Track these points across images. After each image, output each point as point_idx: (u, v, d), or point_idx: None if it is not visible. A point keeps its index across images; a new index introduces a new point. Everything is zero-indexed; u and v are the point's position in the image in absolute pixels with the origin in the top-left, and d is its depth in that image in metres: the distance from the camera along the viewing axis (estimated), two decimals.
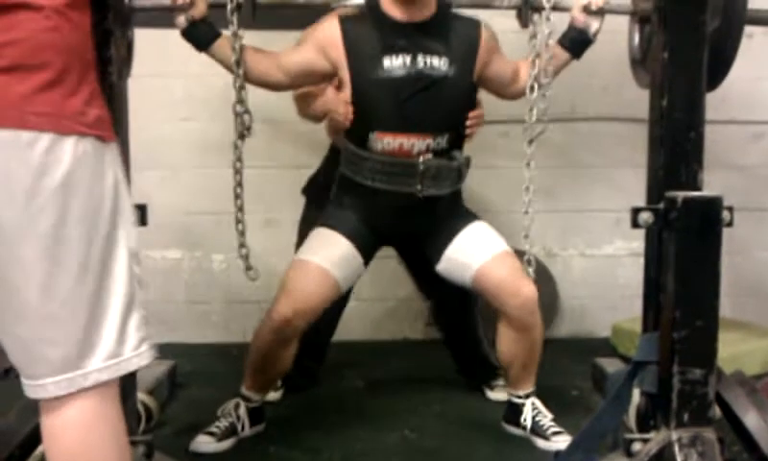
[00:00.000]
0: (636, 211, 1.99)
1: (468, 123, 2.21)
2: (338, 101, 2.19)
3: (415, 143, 2.15)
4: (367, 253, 2.28)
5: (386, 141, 2.16)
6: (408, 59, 2.14)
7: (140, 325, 1.26)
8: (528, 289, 2.17)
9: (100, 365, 1.19)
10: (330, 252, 2.20)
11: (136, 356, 1.24)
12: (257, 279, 2.21)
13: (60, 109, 1.13)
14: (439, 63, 2.15)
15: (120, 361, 1.22)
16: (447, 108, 2.17)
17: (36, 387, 1.19)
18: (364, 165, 2.20)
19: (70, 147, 1.13)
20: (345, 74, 2.17)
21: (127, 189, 1.26)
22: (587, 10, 2.20)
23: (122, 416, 1.26)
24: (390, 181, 2.17)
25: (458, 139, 2.23)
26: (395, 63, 2.13)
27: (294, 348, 2.22)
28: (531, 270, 2.22)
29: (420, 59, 2.14)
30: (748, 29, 2.20)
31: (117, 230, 1.21)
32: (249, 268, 2.22)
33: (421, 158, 2.15)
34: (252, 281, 2.22)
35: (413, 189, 2.16)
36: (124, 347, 1.22)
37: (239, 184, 2.18)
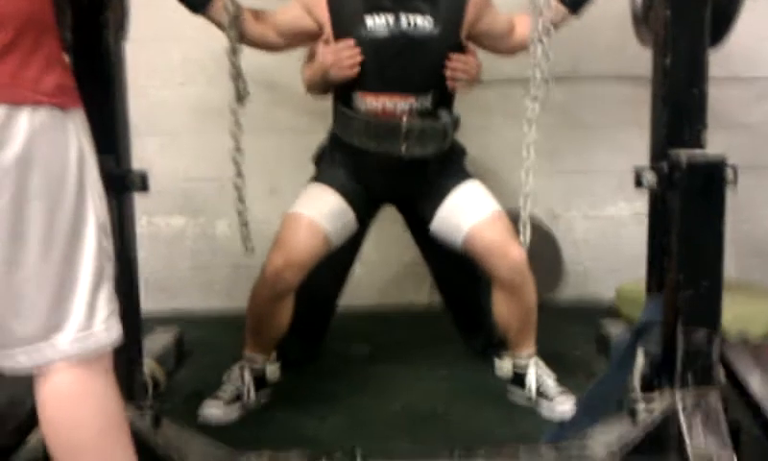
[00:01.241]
0: (639, 172, 1.97)
1: (449, 64, 2.15)
2: (327, 52, 2.16)
3: (397, 103, 2.15)
4: (360, 209, 2.28)
5: (369, 101, 2.16)
6: (391, 18, 2.12)
7: (110, 298, 1.25)
8: (516, 251, 2.16)
9: (69, 338, 1.19)
10: (320, 205, 2.22)
11: (105, 330, 1.23)
12: (253, 251, 2.20)
13: (12, 78, 1.10)
14: (423, 23, 2.13)
15: (89, 334, 1.21)
16: (432, 67, 2.15)
17: (6, 357, 1.19)
18: (351, 125, 2.20)
19: (25, 118, 1.10)
20: (328, 32, 2.17)
21: (93, 158, 1.23)
22: None
23: (113, 389, 1.26)
24: (375, 142, 2.17)
25: (444, 99, 2.21)
26: (377, 23, 2.12)
27: (289, 305, 2.23)
28: (525, 235, 2.20)
29: (404, 18, 2.12)
30: None
31: (84, 202, 1.19)
32: (246, 242, 2.19)
33: (405, 119, 2.13)
34: (250, 253, 2.21)
35: (398, 150, 2.15)
36: (93, 320, 1.21)
37: (237, 150, 2.17)
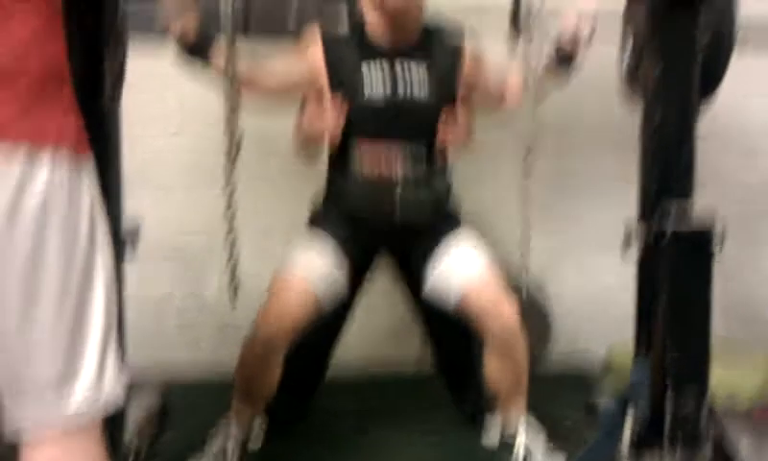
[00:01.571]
0: (627, 228, 1.98)
1: (440, 136, 2.19)
2: (315, 115, 2.19)
3: (393, 168, 2.16)
4: (352, 270, 2.27)
5: (364, 166, 2.17)
6: (388, 86, 2.15)
7: (118, 353, 1.23)
8: (509, 311, 2.16)
9: (80, 394, 1.17)
10: (312, 266, 2.21)
11: (116, 386, 1.21)
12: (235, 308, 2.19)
13: (34, 123, 1.11)
14: (419, 92, 2.16)
15: (100, 391, 1.19)
16: (427, 134, 2.18)
17: (15, 416, 1.16)
18: (345, 188, 2.22)
19: (47, 162, 1.10)
20: (326, 91, 2.20)
21: (103, 210, 1.23)
22: (575, 27, 2.17)
23: (106, 456, 1.23)
24: (369, 206, 2.19)
25: (440, 166, 2.24)
26: (375, 90, 2.15)
27: (278, 366, 2.20)
28: (523, 292, 2.21)
29: (401, 87, 2.15)
30: (740, 45, 2.21)
31: (95, 255, 1.19)
32: (233, 295, 2.19)
33: (399, 186, 2.16)
34: (235, 310, 2.20)
35: (392, 216, 2.18)
36: (104, 376, 1.19)
37: (230, 207, 2.17)
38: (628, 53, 2.40)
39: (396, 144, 2.16)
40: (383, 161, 2.16)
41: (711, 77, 2.12)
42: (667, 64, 1.98)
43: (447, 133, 2.19)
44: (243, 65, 2.17)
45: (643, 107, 2.12)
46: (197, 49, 2.12)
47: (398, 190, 2.16)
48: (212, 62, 2.14)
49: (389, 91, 2.15)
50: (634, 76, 2.36)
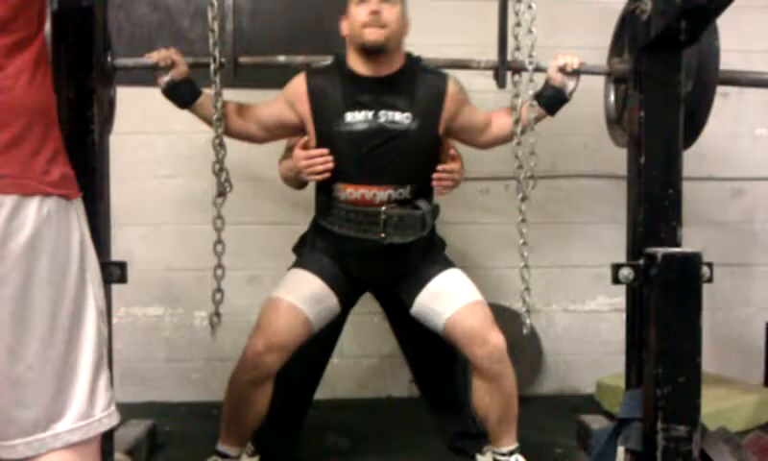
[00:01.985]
0: (616, 267, 2.00)
1: (435, 176, 2.20)
2: (299, 157, 2.21)
3: (376, 193, 2.19)
4: (342, 294, 2.28)
5: (349, 191, 2.20)
6: (370, 113, 2.18)
7: (108, 385, 1.25)
8: (497, 339, 2.17)
9: (70, 426, 1.18)
10: (301, 289, 2.22)
11: (107, 417, 1.23)
12: (215, 338, 2.20)
13: (22, 169, 1.13)
14: (401, 118, 2.19)
15: (91, 422, 1.20)
16: (409, 160, 2.20)
17: (6, 448, 1.17)
18: (332, 213, 2.25)
19: (34, 208, 1.13)
20: (310, 127, 2.22)
21: (92, 247, 1.25)
22: (563, 70, 2.24)
23: None
24: (355, 229, 2.21)
25: (423, 190, 2.25)
26: (357, 118, 2.18)
27: (268, 391, 2.19)
28: (526, 325, 2.23)
29: (382, 113, 2.18)
30: (723, 88, 2.26)
31: (85, 289, 1.21)
32: (214, 329, 2.19)
33: (384, 208, 2.18)
34: (217, 342, 2.21)
35: (377, 237, 2.19)
36: (94, 408, 1.21)
37: (219, 242, 2.19)
38: (612, 99, 2.45)
39: (380, 171, 2.18)
40: (367, 188, 2.18)
41: (695, 120, 2.16)
42: (651, 109, 2.01)
43: (442, 180, 2.21)
44: (230, 113, 2.23)
45: (629, 151, 2.16)
46: (184, 99, 2.19)
47: (383, 211, 2.18)
48: (199, 112, 2.22)
49: (371, 118, 2.18)
50: (619, 119, 2.40)
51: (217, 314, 2.19)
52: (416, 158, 2.20)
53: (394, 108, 2.19)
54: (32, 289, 1.13)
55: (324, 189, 2.26)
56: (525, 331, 2.23)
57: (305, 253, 2.35)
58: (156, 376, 3.22)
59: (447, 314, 2.20)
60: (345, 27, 2.26)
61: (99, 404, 1.21)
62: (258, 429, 2.29)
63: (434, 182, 2.21)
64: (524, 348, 3.06)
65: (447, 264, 2.33)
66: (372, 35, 2.14)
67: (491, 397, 2.22)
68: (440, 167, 2.21)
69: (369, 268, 2.28)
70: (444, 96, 2.24)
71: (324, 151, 2.17)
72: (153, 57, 2.16)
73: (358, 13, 2.16)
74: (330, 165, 2.16)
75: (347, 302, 2.33)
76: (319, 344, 2.37)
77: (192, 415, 3.00)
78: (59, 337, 1.16)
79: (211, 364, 3.17)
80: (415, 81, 2.23)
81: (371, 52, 2.17)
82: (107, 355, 1.26)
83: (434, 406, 2.67)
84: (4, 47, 1.13)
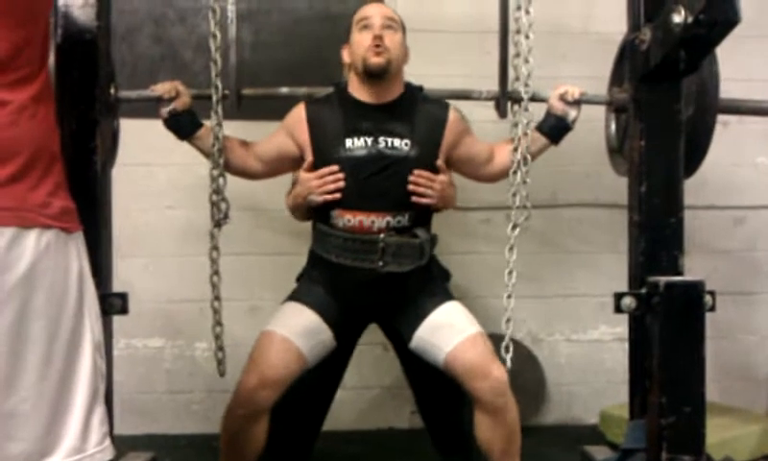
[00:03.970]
0: (618, 297, 2.00)
1: (411, 179, 2.17)
2: (309, 178, 2.21)
3: (374, 221, 2.17)
4: (336, 327, 2.24)
5: (346, 218, 2.18)
6: (369, 140, 2.18)
7: (103, 419, 1.24)
8: (498, 372, 2.14)
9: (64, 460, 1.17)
10: (295, 323, 2.19)
11: (100, 452, 1.22)
12: (224, 374, 2.21)
13: (22, 202, 1.14)
14: (400, 144, 2.18)
15: (84, 457, 1.19)
16: (408, 187, 2.19)
17: None
18: (328, 241, 2.22)
19: (32, 240, 1.13)
20: (309, 154, 2.22)
21: (91, 280, 1.26)
22: (564, 99, 2.25)
23: None
24: (352, 257, 2.18)
25: (421, 218, 2.24)
26: (356, 144, 2.18)
27: (264, 426, 2.16)
28: (508, 357, 2.21)
29: (382, 140, 2.18)
30: (723, 117, 2.27)
31: (82, 322, 1.21)
32: (220, 363, 2.23)
33: (382, 235, 2.17)
34: (223, 376, 2.21)
35: (374, 265, 2.17)
36: (87, 443, 1.20)
37: (216, 273, 2.19)
38: (613, 128, 2.46)
39: (379, 197, 2.18)
40: (365, 215, 2.18)
41: (696, 149, 2.16)
42: (652, 138, 2.02)
43: (417, 185, 2.18)
44: (229, 147, 2.24)
45: (629, 180, 2.16)
46: (185, 130, 2.21)
47: (381, 239, 2.17)
48: (198, 144, 2.24)
49: (370, 144, 2.18)
50: (620, 149, 2.40)
51: (221, 349, 2.19)
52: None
53: (393, 134, 2.19)
54: (28, 320, 1.13)
55: (322, 217, 2.24)
56: (508, 365, 2.20)
57: (301, 285, 2.32)
58: (156, 408, 3.20)
59: (447, 348, 2.18)
60: (346, 55, 2.28)
61: (92, 439, 1.20)
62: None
63: (410, 187, 2.18)
64: (526, 377, 3.04)
65: (446, 297, 2.30)
66: (376, 58, 2.16)
67: (493, 431, 2.20)
68: (416, 172, 2.18)
69: (365, 298, 2.26)
70: (444, 124, 2.25)
71: (335, 168, 2.16)
72: (157, 89, 2.18)
73: (362, 39, 2.18)
74: (341, 184, 2.15)
75: (342, 335, 2.27)
76: (325, 377, 2.36)
77: (193, 447, 2.99)
78: (54, 370, 1.16)
79: (212, 396, 3.15)
80: (415, 108, 2.24)
81: (373, 75, 2.18)
82: (103, 389, 1.25)
83: (438, 437, 2.65)
84: (7, 84, 1.15)
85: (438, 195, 2.21)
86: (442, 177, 2.23)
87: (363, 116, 2.20)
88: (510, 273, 2.21)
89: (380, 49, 2.16)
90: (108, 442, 1.24)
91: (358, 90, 2.23)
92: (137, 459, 2.54)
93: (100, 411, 1.23)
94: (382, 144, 2.18)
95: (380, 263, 2.17)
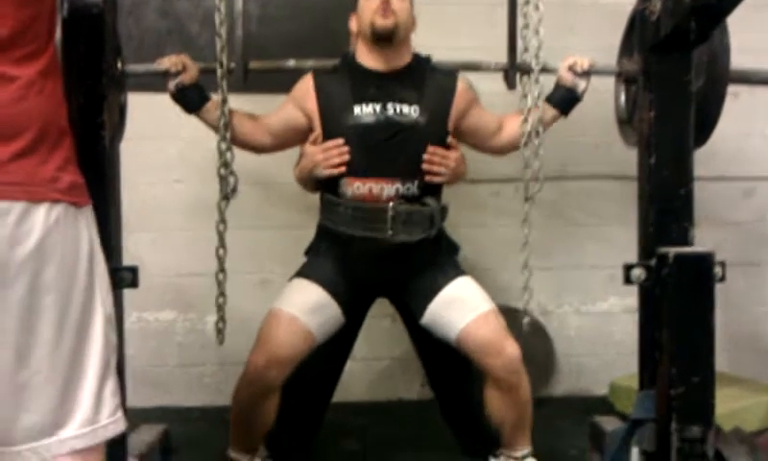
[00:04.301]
0: (628, 268, 2.00)
1: (426, 157, 2.17)
2: (314, 151, 2.21)
3: (384, 188, 2.16)
4: (346, 301, 2.24)
5: (356, 186, 2.17)
6: (378, 106, 2.17)
7: (115, 391, 1.25)
8: (511, 348, 2.14)
9: (76, 432, 1.19)
10: (303, 300, 2.19)
11: (113, 423, 1.23)
12: (223, 343, 2.22)
13: (31, 176, 1.14)
14: (409, 111, 2.18)
15: (97, 428, 1.21)
16: (418, 154, 2.17)
17: (12, 454, 1.17)
18: (337, 212, 2.21)
19: (42, 214, 1.14)
20: (317, 123, 2.22)
21: (102, 254, 1.26)
22: (573, 70, 2.24)
23: None
24: (362, 228, 2.17)
25: (431, 187, 2.22)
26: (364, 111, 2.17)
27: (274, 402, 2.18)
28: (525, 322, 2.22)
29: (390, 106, 2.17)
30: (733, 88, 2.24)
31: (93, 295, 1.22)
32: (219, 332, 2.24)
33: (391, 204, 2.16)
34: (220, 345, 2.22)
35: (384, 234, 2.15)
36: (100, 414, 1.21)
37: (222, 246, 2.20)
38: (622, 99, 2.44)
39: (388, 164, 2.17)
40: (375, 182, 2.17)
41: (706, 120, 2.15)
42: (661, 109, 2.00)
43: (432, 163, 2.18)
44: (237, 121, 2.24)
45: (639, 151, 2.15)
46: (192, 104, 2.22)
47: (391, 207, 2.17)
48: (207, 117, 2.23)
49: (379, 111, 2.17)
50: (629, 120, 2.39)
51: (222, 320, 2.20)
52: (423, 153, 2.18)
53: (402, 100, 2.18)
54: (39, 294, 1.14)
55: (331, 187, 2.22)
56: (525, 329, 2.22)
57: (309, 260, 2.32)
58: (168, 381, 3.23)
59: (460, 325, 2.18)
60: (354, 23, 2.27)
61: (105, 411, 1.22)
62: (272, 435, 2.28)
63: (424, 165, 2.18)
64: (536, 349, 3.05)
65: (458, 272, 2.29)
66: (383, 20, 2.15)
67: (505, 405, 2.20)
68: (430, 149, 2.18)
69: (375, 271, 2.25)
70: (453, 92, 2.24)
71: (340, 141, 2.16)
72: (164, 63, 2.18)
73: (369, 2, 2.18)
74: (347, 157, 2.15)
75: (351, 310, 2.27)
76: (334, 351, 2.36)
77: (205, 419, 3.02)
78: (65, 343, 1.17)
79: (224, 368, 3.18)
80: (424, 77, 2.23)
81: (381, 38, 2.17)
82: (114, 362, 1.27)
83: (448, 409, 2.66)
84: (15, 60, 1.15)
85: (451, 172, 2.21)
86: (455, 153, 2.22)
87: (371, 83, 2.20)
88: (525, 245, 2.21)
89: (388, 11, 2.15)
90: (120, 413, 1.25)
91: (366, 58, 2.23)
92: (150, 431, 2.57)
93: (112, 383, 1.24)
94: (391, 111, 2.17)
95: (390, 232, 2.15)
